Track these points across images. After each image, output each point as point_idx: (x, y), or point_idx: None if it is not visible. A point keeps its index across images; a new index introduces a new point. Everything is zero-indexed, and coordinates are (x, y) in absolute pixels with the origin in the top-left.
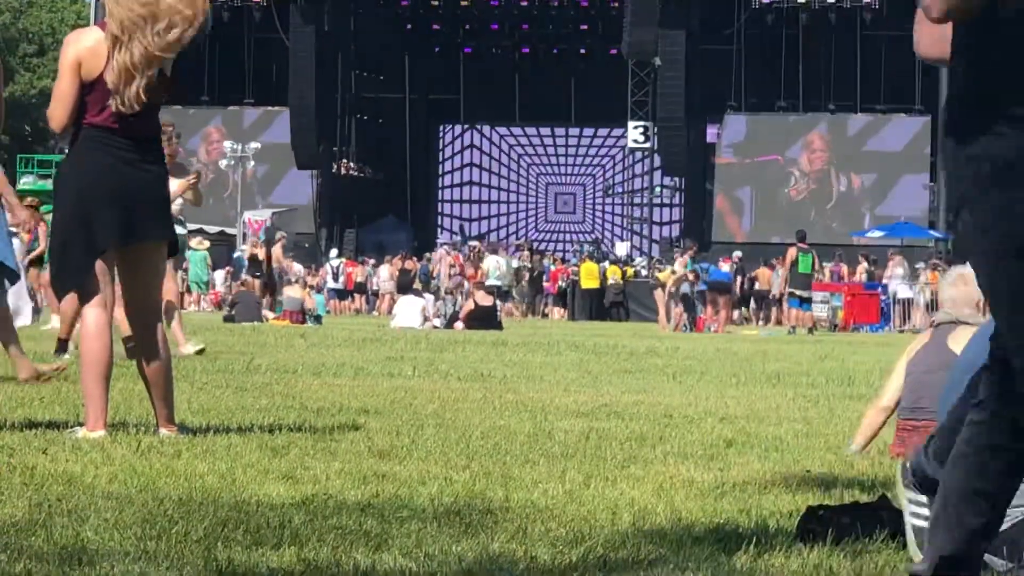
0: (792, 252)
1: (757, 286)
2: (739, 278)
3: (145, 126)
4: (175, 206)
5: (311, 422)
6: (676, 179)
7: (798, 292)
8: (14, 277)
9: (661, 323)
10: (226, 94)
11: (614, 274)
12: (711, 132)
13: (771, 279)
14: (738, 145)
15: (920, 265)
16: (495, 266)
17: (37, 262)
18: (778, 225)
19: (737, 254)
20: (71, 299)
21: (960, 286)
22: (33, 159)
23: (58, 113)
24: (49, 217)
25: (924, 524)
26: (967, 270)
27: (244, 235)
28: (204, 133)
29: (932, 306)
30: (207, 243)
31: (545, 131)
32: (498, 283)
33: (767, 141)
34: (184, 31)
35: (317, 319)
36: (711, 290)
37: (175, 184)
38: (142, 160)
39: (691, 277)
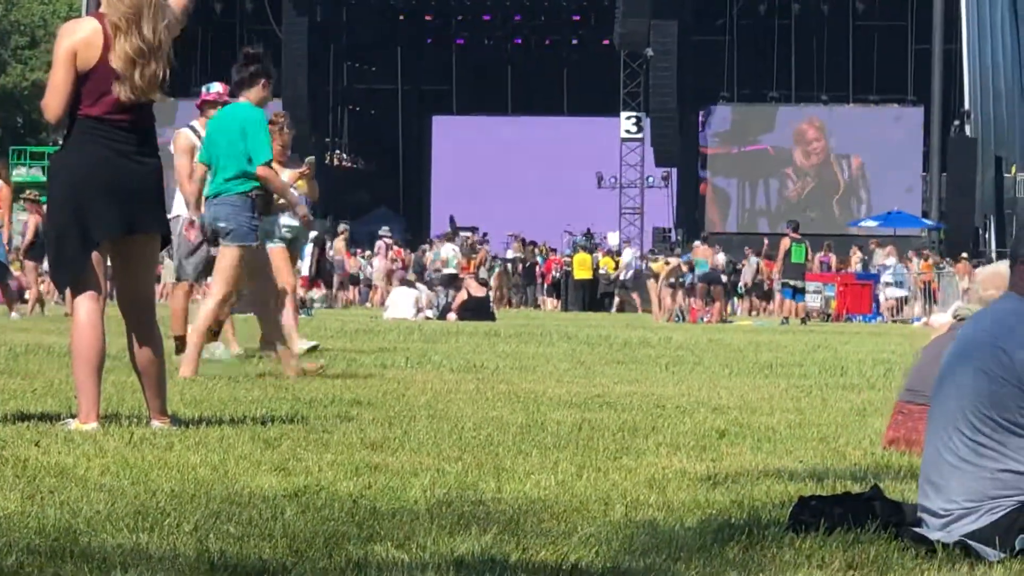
0: (785, 242)
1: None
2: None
3: (140, 118)
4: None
5: (303, 414)
6: (668, 170)
7: (791, 282)
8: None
9: (654, 314)
10: None
11: (606, 265)
12: (699, 122)
13: (754, 269)
14: (724, 134)
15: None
16: (452, 255)
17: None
18: (769, 215)
19: (696, 243)
20: (181, 296)
21: (991, 290)
22: (26, 151)
23: (53, 104)
24: None
25: None
26: (1004, 270)
27: None
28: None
29: (925, 295)
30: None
31: (537, 122)
32: (454, 271)
33: (755, 131)
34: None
35: (307, 308)
36: (704, 281)
37: (286, 175)
38: (136, 152)
39: (684, 268)
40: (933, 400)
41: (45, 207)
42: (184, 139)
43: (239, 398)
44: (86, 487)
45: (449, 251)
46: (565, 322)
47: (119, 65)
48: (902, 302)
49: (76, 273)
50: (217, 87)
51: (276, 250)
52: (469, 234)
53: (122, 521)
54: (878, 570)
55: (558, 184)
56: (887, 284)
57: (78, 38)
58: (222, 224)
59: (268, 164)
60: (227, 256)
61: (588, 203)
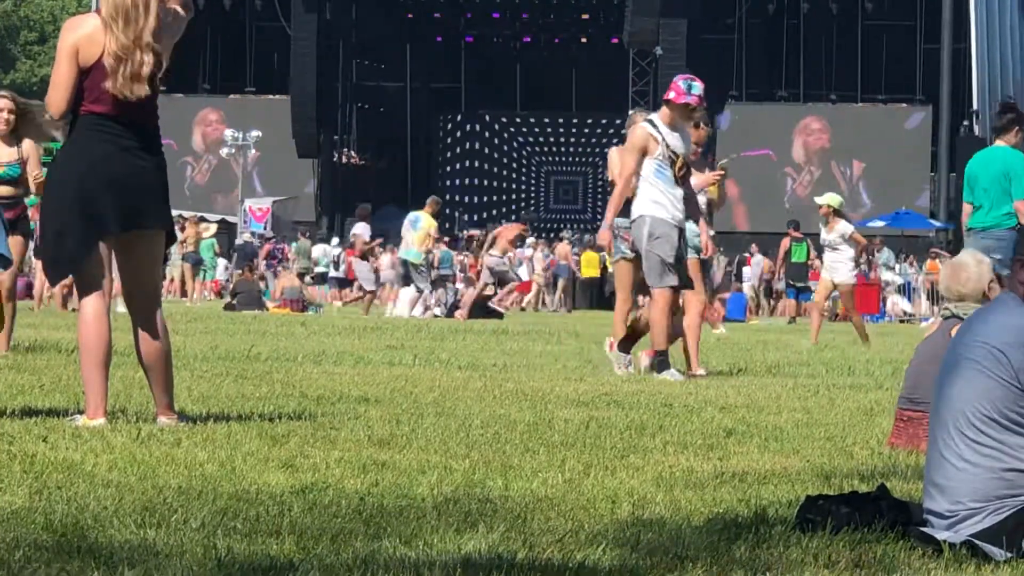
0: (785, 242)
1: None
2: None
3: (142, 115)
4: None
5: (311, 410)
6: None
7: (793, 281)
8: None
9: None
10: (227, 82)
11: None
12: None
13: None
14: (731, 134)
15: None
16: (322, 253)
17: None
18: (774, 216)
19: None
20: (663, 305)
21: (969, 283)
22: None
23: (56, 99)
24: None
25: None
26: (972, 260)
27: (246, 223)
28: (204, 121)
29: (932, 295)
30: (214, 228)
31: (546, 120)
32: (325, 270)
33: (762, 130)
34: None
35: (318, 307)
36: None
37: (698, 178)
38: (140, 148)
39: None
40: (934, 403)
41: (42, 201)
42: (642, 136)
43: (246, 394)
44: (93, 483)
45: (320, 251)
46: (573, 320)
47: (107, 60)
48: (909, 292)
49: (76, 269)
50: (700, 89)
51: (689, 261)
52: (476, 232)
53: (129, 517)
54: (884, 569)
55: (566, 182)
56: (892, 291)
57: (81, 34)
58: (995, 255)
59: None
60: None
61: (596, 201)
